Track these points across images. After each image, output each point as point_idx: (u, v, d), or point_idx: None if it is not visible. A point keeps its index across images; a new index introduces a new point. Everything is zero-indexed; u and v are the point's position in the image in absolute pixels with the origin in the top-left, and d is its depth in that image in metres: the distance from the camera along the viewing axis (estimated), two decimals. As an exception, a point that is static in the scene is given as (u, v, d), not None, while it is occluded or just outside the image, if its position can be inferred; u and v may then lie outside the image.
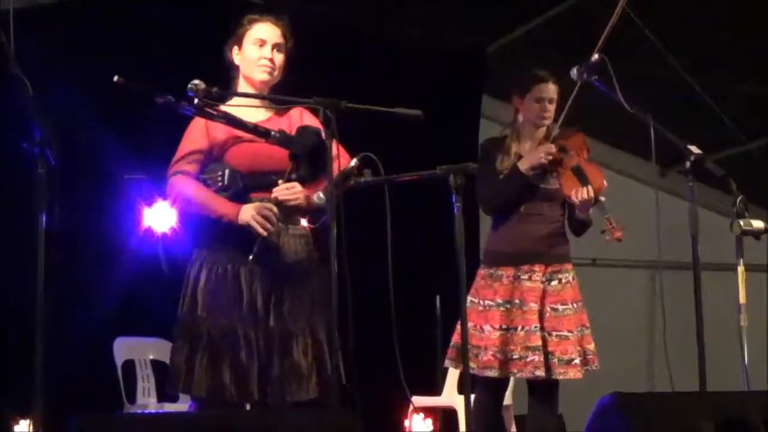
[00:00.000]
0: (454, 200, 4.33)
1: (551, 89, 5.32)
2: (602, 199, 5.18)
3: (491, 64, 8.63)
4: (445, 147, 7.48)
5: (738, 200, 4.78)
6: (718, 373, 4.79)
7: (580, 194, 5.13)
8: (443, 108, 7.42)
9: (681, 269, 5.80)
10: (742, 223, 4.77)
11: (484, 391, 5.28)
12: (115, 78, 4.06)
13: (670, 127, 4.81)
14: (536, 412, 5.28)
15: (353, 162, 4.31)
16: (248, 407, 4.34)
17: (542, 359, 5.11)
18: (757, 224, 4.81)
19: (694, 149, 4.76)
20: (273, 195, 4.25)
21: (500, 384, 5.30)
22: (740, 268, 4.82)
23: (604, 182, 5.23)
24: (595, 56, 4.76)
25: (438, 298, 7.24)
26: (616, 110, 4.78)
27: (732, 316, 4.92)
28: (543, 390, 5.24)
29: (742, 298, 4.80)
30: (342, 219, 4.06)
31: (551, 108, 5.32)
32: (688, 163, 4.75)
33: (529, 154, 5.23)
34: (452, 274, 4.35)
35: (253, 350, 4.21)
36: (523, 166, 5.20)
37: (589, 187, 5.13)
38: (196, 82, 4.21)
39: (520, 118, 5.39)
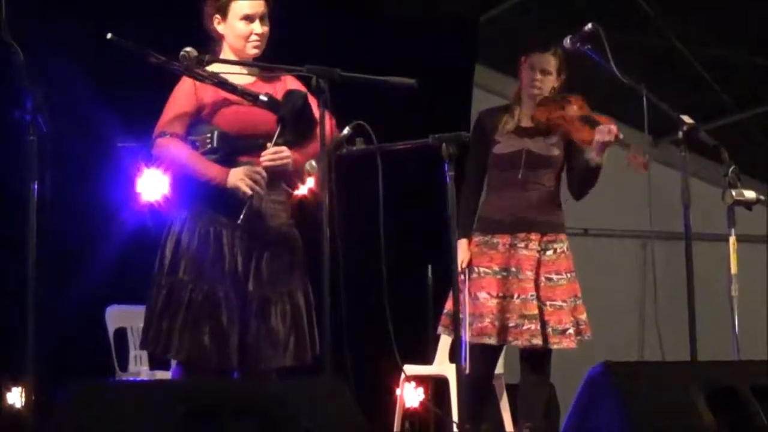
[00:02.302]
0: (446, 169, 4.32)
1: (546, 60, 5.33)
2: (621, 136, 5.14)
3: (484, 34, 8.61)
4: (438, 116, 7.46)
5: (730, 170, 4.78)
6: (708, 342, 4.80)
7: (602, 134, 5.08)
8: (436, 77, 7.40)
9: (672, 239, 5.82)
10: (734, 193, 4.77)
11: (477, 358, 5.30)
12: (108, 35, 4.04)
13: (663, 97, 4.81)
14: (528, 380, 5.30)
15: (346, 130, 4.30)
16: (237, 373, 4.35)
17: (539, 327, 5.13)
18: (749, 194, 4.81)
19: (687, 119, 4.76)
20: (261, 161, 4.24)
21: (494, 351, 5.31)
22: (732, 239, 4.83)
23: (613, 123, 5.19)
24: (589, 26, 4.76)
25: (430, 267, 7.24)
26: (609, 80, 4.78)
27: (723, 286, 4.93)
28: (535, 359, 5.26)
29: (733, 269, 4.81)
30: (334, 187, 4.05)
31: (542, 79, 5.32)
32: (680, 133, 4.75)
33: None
34: (444, 242, 4.35)
35: (233, 315, 4.20)
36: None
37: (608, 126, 5.10)
38: (188, 49, 4.21)
39: (521, 89, 5.42)
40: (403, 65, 4.57)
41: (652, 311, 4.98)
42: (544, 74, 5.33)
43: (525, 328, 5.14)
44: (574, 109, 5.26)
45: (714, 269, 5.93)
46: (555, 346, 5.17)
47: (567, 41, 4.85)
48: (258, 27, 4.37)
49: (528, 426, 5.23)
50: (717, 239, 5.82)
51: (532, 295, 5.17)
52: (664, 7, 8.05)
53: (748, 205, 4.84)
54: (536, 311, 5.15)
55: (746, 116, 9.36)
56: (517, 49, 5.51)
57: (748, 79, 8.94)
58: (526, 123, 5.35)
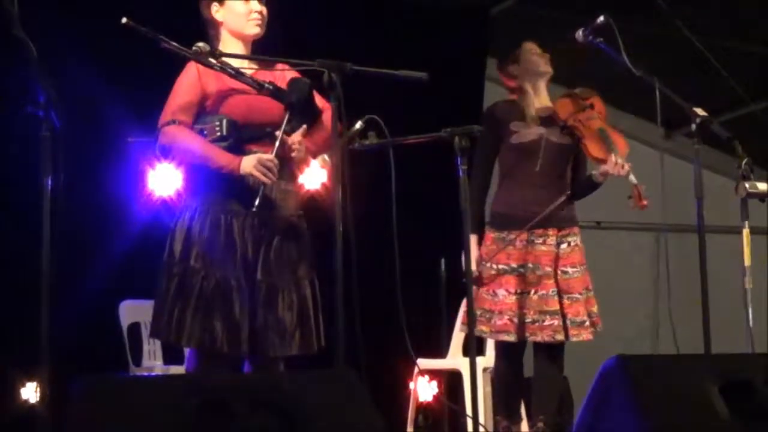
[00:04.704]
0: (459, 162, 4.33)
1: (529, 46, 5.39)
2: (629, 165, 5.15)
3: (495, 26, 8.60)
4: (450, 109, 7.46)
5: (743, 162, 4.77)
6: (722, 335, 4.80)
7: (613, 167, 5.10)
8: (447, 70, 7.39)
9: (686, 232, 5.80)
10: (747, 185, 4.76)
11: (501, 355, 5.34)
12: (123, 20, 4.06)
13: (675, 89, 4.80)
14: (542, 373, 5.29)
15: (358, 125, 4.31)
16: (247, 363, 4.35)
17: (561, 323, 5.12)
18: (762, 186, 4.80)
19: (700, 111, 4.75)
20: (288, 141, 4.24)
21: (516, 348, 5.30)
22: (745, 231, 4.82)
23: (627, 149, 5.21)
24: (601, 18, 4.75)
25: (443, 260, 7.24)
26: (621, 72, 4.77)
27: (737, 278, 4.92)
28: (549, 351, 5.24)
29: (747, 261, 4.80)
30: (347, 181, 4.06)
31: (542, 59, 5.36)
32: (693, 126, 4.74)
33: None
34: (457, 236, 4.35)
35: (245, 302, 4.21)
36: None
37: (619, 159, 5.11)
38: (201, 44, 4.24)
39: (523, 80, 5.39)
40: (414, 58, 4.57)
41: (665, 304, 4.97)
42: (540, 56, 5.37)
43: (547, 324, 5.13)
44: (594, 118, 5.24)
45: (727, 262, 5.92)
46: (574, 338, 5.16)
47: (579, 34, 4.84)
48: (256, 5, 4.41)
49: (542, 419, 5.23)
50: (730, 232, 5.80)
51: (553, 291, 5.16)
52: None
53: (762, 197, 4.83)
54: (557, 307, 5.14)
55: (760, 108, 9.33)
56: (530, 41, 5.49)
57: (761, 71, 8.91)
58: (541, 112, 5.33)
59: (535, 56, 5.36)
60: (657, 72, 4.77)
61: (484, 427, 5.27)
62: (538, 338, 5.17)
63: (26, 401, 6.58)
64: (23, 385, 6.62)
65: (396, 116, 4.35)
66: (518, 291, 5.20)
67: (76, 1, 6.81)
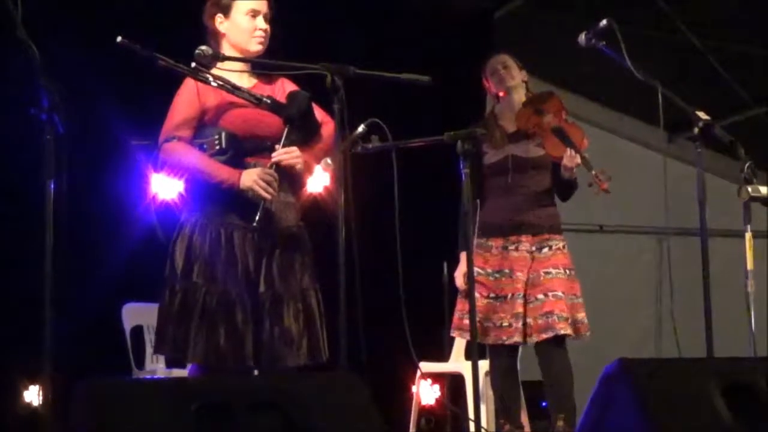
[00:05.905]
0: (461, 166, 4.33)
1: (499, 59, 5.57)
2: (586, 155, 5.21)
3: (499, 30, 8.60)
4: (453, 113, 7.46)
5: (746, 166, 4.77)
6: (724, 338, 4.80)
7: (568, 159, 5.19)
8: (451, 73, 7.40)
9: (688, 235, 5.81)
10: (749, 189, 4.76)
11: (494, 359, 5.41)
12: (118, 39, 4.07)
13: (678, 93, 4.80)
14: (548, 364, 5.27)
15: (360, 128, 4.31)
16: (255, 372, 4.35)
17: (521, 326, 5.17)
18: (765, 190, 4.80)
19: (703, 115, 4.74)
20: (273, 158, 4.24)
21: (508, 350, 5.32)
22: (748, 235, 4.82)
23: (585, 141, 5.34)
24: (604, 21, 4.75)
25: (445, 264, 7.23)
26: (624, 75, 4.77)
27: (739, 282, 4.92)
28: (551, 347, 5.23)
29: (749, 265, 4.80)
30: (349, 185, 4.06)
31: (505, 73, 5.51)
32: (696, 129, 4.74)
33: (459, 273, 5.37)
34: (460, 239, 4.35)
35: (248, 315, 4.20)
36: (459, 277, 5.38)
37: (572, 151, 5.18)
38: (204, 48, 4.24)
39: (494, 96, 5.61)
40: (417, 61, 4.58)
41: (668, 307, 4.97)
42: (506, 68, 5.50)
43: (514, 327, 5.20)
44: (549, 118, 5.35)
45: (730, 265, 5.92)
46: (562, 331, 5.17)
47: (582, 38, 4.84)
48: (262, 23, 4.40)
49: (561, 417, 5.22)
50: (733, 235, 5.80)
51: (519, 294, 5.22)
52: (680, 3, 8.03)
53: (764, 201, 4.83)
54: (522, 310, 5.22)
55: (762, 111, 9.34)
56: (534, 44, 5.52)
57: (764, 74, 8.91)
58: (511, 128, 5.44)
59: (494, 78, 5.54)
60: (659, 75, 4.77)
61: (487, 430, 5.28)
62: (506, 342, 5.21)
63: (29, 404, 6.59)
64: (26, 388, 6.63)
65: (399, 119, 4.36)
66: (490, 295, 5.29)
67: (78, 3, 6.82)
